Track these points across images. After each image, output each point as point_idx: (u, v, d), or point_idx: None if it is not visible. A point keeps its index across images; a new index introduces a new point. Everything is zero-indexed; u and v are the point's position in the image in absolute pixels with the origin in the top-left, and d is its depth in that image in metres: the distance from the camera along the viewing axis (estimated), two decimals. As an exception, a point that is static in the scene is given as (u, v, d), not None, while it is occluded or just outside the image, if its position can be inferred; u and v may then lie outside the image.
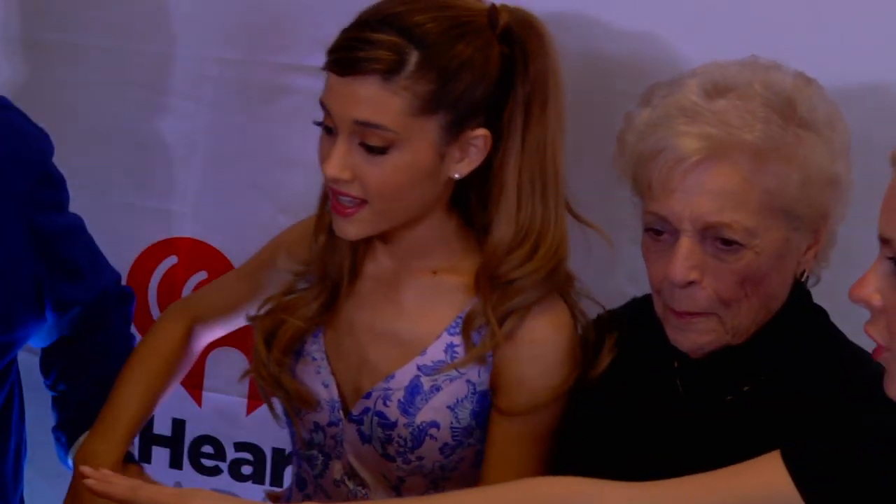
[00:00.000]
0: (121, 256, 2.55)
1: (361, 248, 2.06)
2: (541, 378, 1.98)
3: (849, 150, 1.89)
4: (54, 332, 2.33)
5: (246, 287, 2.22)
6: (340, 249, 2.06)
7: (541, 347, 1.97)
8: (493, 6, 1.94)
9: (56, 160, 2.25)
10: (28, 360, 2.36)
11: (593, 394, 2.03)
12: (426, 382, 1.99)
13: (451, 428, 2.00)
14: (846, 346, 1.93)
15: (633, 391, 2.00)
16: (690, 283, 1.84)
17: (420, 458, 2.01)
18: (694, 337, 1.88)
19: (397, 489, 2.06)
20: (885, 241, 1.49)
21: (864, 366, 1.87)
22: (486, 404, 2.00)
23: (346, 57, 1.88)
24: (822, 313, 1.96)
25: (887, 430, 1.65)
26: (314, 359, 2.09)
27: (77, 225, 2.30)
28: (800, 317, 1.94)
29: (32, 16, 2.57)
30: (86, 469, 1.72)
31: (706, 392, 1.93)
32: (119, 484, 1.70)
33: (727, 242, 1.81)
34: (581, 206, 2.16)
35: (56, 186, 2.22)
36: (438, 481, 2.05)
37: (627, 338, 2.03)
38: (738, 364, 1.91)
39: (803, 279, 1.91)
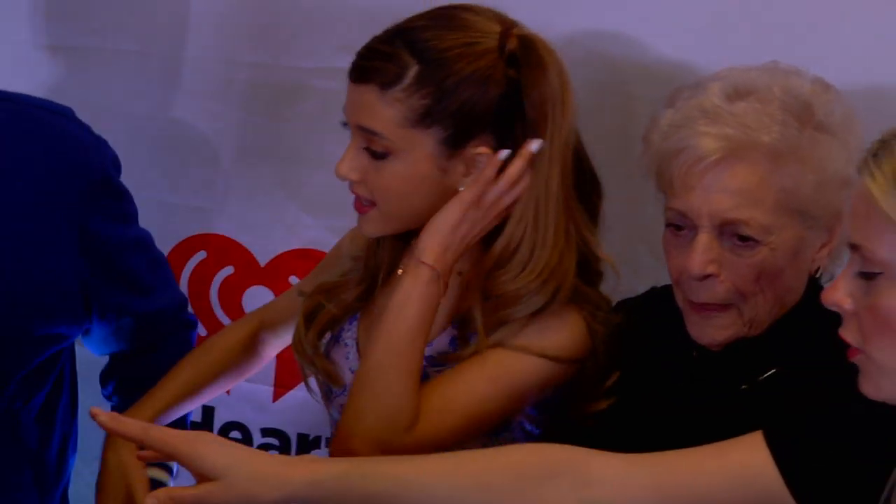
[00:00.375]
0: (152, 252, 2.63)
1: (397, 251, 2.09)
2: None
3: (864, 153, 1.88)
4: (111, 343, 2.33)
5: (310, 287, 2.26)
6: (385, 244, 2.09)
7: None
8: (505, 31, 1.96)
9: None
10: (86, 356, 2.38)
11: (616, 386, 2.03)
12: (431, 372, 2.01)
13: None
14: None
15: (651, 379, 2.01)
16: (708, 276, 1.86)
17: None
18: (712, 332, 1.90)
19: None
20: (853, 247, 1.51)
21: None
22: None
23: (357, 64, 1.93)
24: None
25: (872, 417, 1.65)
26: (346, 344, 2.11)
27: (140, 238, 2.29)
28: (815, 310, 1.90)
29: (68, 21, 2.61)
30: (96, 409, 1.71)
31: (722, 381, 1.94)
32: (131, 424, 1.71)
33: (743, 238, 1.83)
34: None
35: (114, 196, 2.22)
36: None
37: (645, 326, 2.05)
38: (753, 354, 1.92)
39: (818, 275, 1.92)
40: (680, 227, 1.88)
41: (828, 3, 2.22)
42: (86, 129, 2.21)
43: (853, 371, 1.80)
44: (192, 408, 2.27)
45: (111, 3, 2.59)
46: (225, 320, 2.67)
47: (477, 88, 1.92)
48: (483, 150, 1.94)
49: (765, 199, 1.82)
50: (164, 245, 2.56)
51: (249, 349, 2.30)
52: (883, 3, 2.19)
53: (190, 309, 2.40)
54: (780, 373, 1.92)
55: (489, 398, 1.97)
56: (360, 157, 1.95)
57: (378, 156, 1.93)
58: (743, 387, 1.92)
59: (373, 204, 1.97)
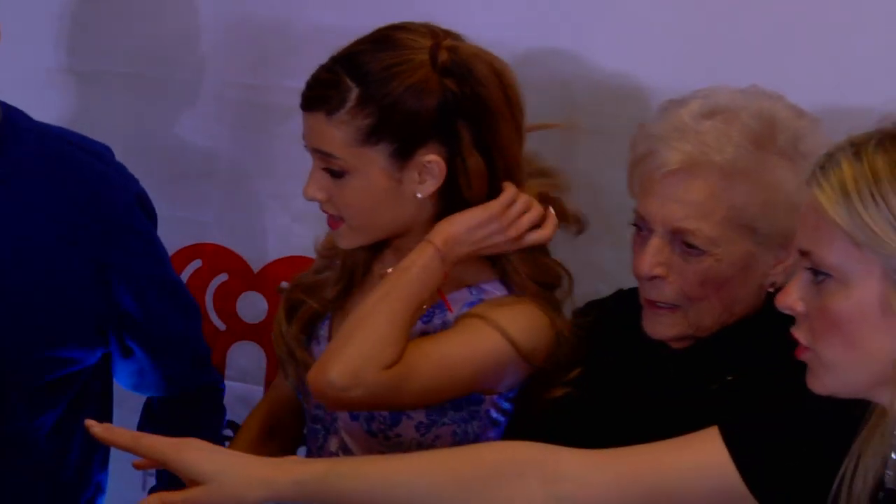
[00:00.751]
0: (151, 260, 2.63)
1: (371, 253, 2.13)
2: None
3: None
4: (138, 383, 2.33)
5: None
6: (358, 251, 2.13)
7: None
8: (435, 44, 1.99)
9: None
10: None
11: (578, 380, 2.07)
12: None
13: (425, 408, 2.06)
14: None
15: (619, 377, 2.05)
16: (655, 277, 1.92)
17: (398, 436, 2.08)
18: (660, 328, 1.97)
19: None
20: (803, 254, 1.56)
21: None
22: None
23: (305, 95, 2.00)
24: None
25: (824, 413, 1.68)
26: (319, 343, 2.15)
27: (164, 281, 2.27)
28: (777, 320, 1.92)
29: (72, 47, 2.66)
30: (90, 421, 1.72)
31: (692, 381, 1.98)
32: (122, 434, 1.71)
33: (690, 246, 1.90)
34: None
35: (136, 235, 2.21)
36: None
37: (612, 326, 2.09)
38: (722, 355, 1.97)
39: (772, 290, 1.94)
40: (641, 228, 1.95)
41: (791, 27, 2.26)
42: (114, 167, 2.23)
43: None
44: None
45: (112, 30, 2.63)
46: (220, 325, 2.71)
47: (415, 101, 1.96)
48: (433, 157, 1.98)
49: (713, 212, 1.88)
50: (161, 254, 2.64)
51: (269, 448, 2.25)
52: (845, 27, 2.24)
53: (209, 376, 2.35)
54: (748, 373, 1.95)
55: (458, 358, 2.00)
56: (322, 178, 2.01)
57: (337, 174, 1.99)
58: (713, 386, 1.96)
59: (342, 220, 2.03)
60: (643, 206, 1.94)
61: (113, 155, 2.26)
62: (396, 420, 2.08)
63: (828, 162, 1.55)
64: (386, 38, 2.00)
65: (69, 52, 2.68)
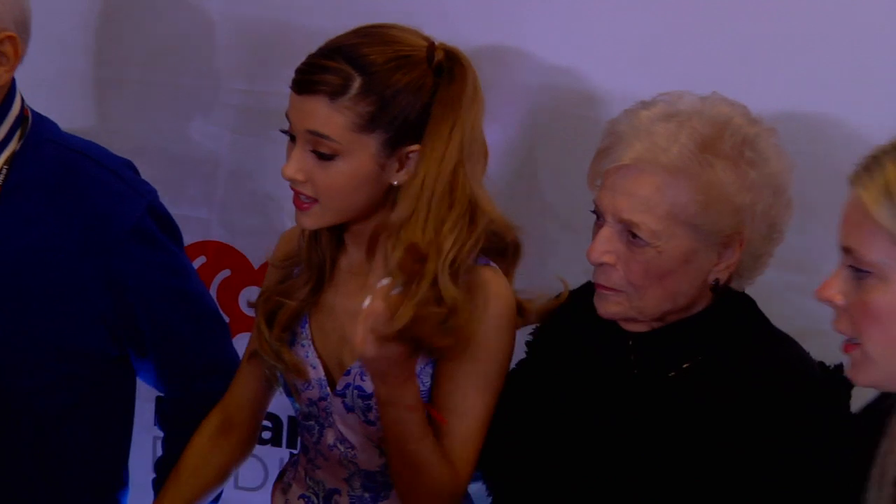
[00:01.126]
0: (158, 258, 2.67)
1: (334, 244, 2.16)
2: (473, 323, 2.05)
3: (775, 189, 1.96)
4: (154, 382, 2.37)
5: (254, 364, 2.26)
6: (323, 244, 2.16)
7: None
8: (432, 44, 2.06)
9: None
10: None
11: (544, 367, 2.15)
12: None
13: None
14: (771, 330, 2.06)
15: (586, 366, 2.10)
16: (605, 264, 1.98)
17: None
18: (606, 306, 2.02)
19: (380, 447, 2.16)
20: (845, 250, 1.61)
21: (786, 347, 2.03)
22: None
23: (303, 79, 2.02)
24: (751, 302, 2.07)
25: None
26: (303, 345, 2.18)
27: (177, 290, 2.27)
28: (733, 304, 2.04)
29: (82, 54, 2.72)
30: None
31: (653, 368, 2.04)
32: None
33: (635, 237, 1.96)
34: (550, 207, 2.32)
35: (148, 245, 2.23)
36: None
37: (582, 315, 2.11)
38: (680, 345, 2.02)
39: (713, 287, 1.99)
40: (598, 217, 2.01)
41: (753, 37, 2.34)
42: (127, 182, 2.25)
43: (770, 358, 1.97)
44: None
45: (121, 39, 2.68)
46: (224, 317, 2.65)
47: (412, 96, 2.02)
48: (416, 147, 2.03)
49: (657, 207, 1.94)
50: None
51: (217, 449, 2.29)
52: (803, 38, 2.32)
53: (216, 384, 2.33)
54: (704, 360, 2.01)
55: (497, 380, 2.09)
56: (305, 160, 2.03)
57: (325, 157, 2.01)
58: (671, 374, 2.02)
59: (315, 201, 2.04)
60: (598, 197, 2.00)
61: (134, 170, 2.29)
62: None
63: (873, 164, 1.61)
64: (382, 34, 2.05)
65: (77, 59, 2.72)
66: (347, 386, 2.15)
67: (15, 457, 2.28)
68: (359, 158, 2.03)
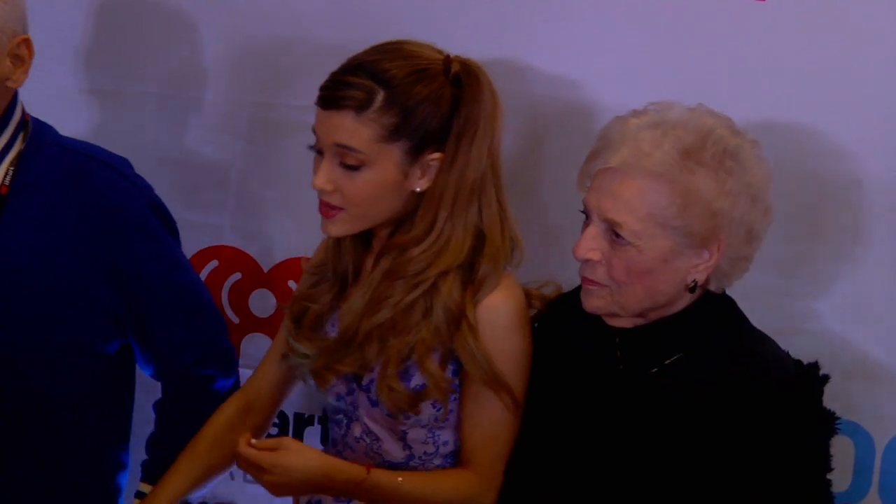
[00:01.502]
0: (173, 261, 2.66)
1: (358, 251, 2.22)
2: (491, 342, 2.12)
3: (753, 196, 2.00)
4: (149, 371, 2.40)
5: (278, 354, 2.32)
6: (346, 251, 2.22)
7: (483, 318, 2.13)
8: (448, 57, 2.11)
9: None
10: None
11: (537, 363, 2.19)
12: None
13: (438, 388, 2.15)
14: (749, 329, 2.12)
15: (576, 361, 2.15)
16: (589, 260, 2.04)
17: (417, 413, 2.18)
18: (590, 300, 2.08)
19: (403, 439, 2.22)
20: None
21: (763, 346, 2.09)
22: (461, 363, 2.15)
23: (329, 95, 2.07)
24: (731, 302, 2.12)
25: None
26: (328, 334, 2.23)
27: (176, 283, 2.31)
28: (715, 304, 2.10)
29: (105, 68, 2.74)
30: None
31: (637, 364, 2.09)
32: None
33: (618, 236, 2.02)
34: (545, 213, 2.36)
35: (149, 239, 2.26)
36: (434, 429, 2.22)
37: (573, 315, 2.17)
38: (664, 339, 2.08)
39: (690, 288, 2.06)
40: (586, 216, 2.07)
41: (746, 53, 2.38)
42: (128, 178, 2.29)
43: (746, 355, 2.03)
44: (199, 494, 2.35)
45: (139, 54, 2.71)
46: (234, 318, 2.76)
47: (432, 106, 2.10)
48: (437, 155, 2.09)
49: (638, 209, 2.01)
50: (181, 256, 2.67)
51: (238, 427, 2.32)
52: (785, 52, 2.37)
53: (211, 370, 2.38)
54: (685, 357, 2.07)
55: (522, 383, 2.17)
56: (333, 171, 2.08)
57: (352, 168, 2.07)
58: (653, 370, 2.08)
59: (341, 209, 2.10)
60: (586, 197, 2.07)
61: (131, 167, 2.33)
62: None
63: None
64: (399, 50, 2.11)
65: (100, 74, 2.75)
66: (371, 381, 2.20)
67: (28, 442, 2.33)
68: (384, 167, 2.09)
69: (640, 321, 2.09)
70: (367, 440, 2.25)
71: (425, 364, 2.11)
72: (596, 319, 2.11)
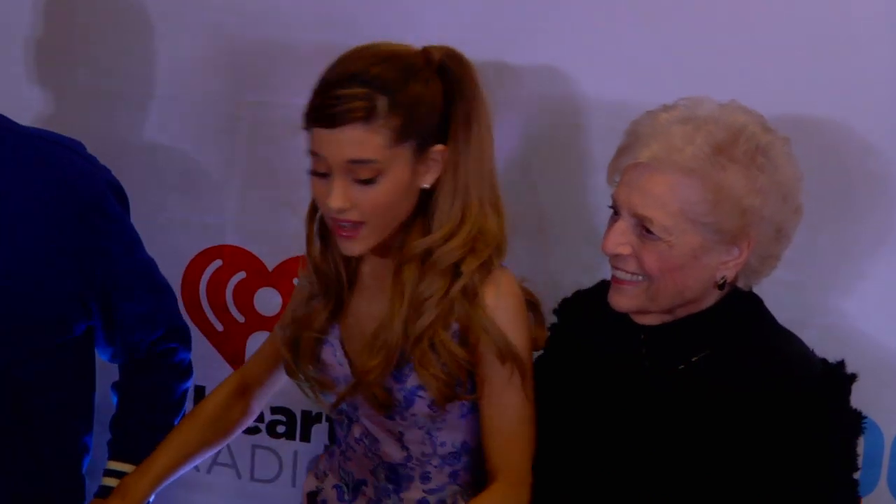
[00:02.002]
0: (176, 261, 2.72)
1: (354, 261, 2.20)
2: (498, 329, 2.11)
3: (784, 195, 2.00)
4: (111, 353, 2.43)
5: (275, 347, 2.36)
6: (333, 263, 2.21)
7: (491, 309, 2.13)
8: (425, 49, 2.10)
9: (124, 184, 2.39)
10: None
11: (559, 361, 2.20)
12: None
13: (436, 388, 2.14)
14: (776, 327, 2.12)
15: (600, 359, 2.15)
16: (619, 255, 2.03)
17: (413, 415, 2.19)
18: (622, 300, 2.06)
19: (400, 440, 2.24)
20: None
21: (790, 344, 2.08)
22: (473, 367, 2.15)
23: (331, 113, 2.02)
24: (758, 300, 2.12)
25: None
26: (332, 345, 2.25)
27: (136, 262, 2.33)
28: (741, 301, 2.09)
29: (105, 72, 2.74)
30: None
31: (663, 361, 2.09)
32: None
33: (648, 231, 2.01)
34: (548, 211, 2.37)
35: (107, 219, 2.28)
36: (431, 430, 2.23)
37: (596, 313, 2.17)
38: (690, 337, 2.07)
39: (719, 285, 2.04)
40: (615, 211, 2.07)
41: (743, 47, 2.37)
42: (86, 159, 2.30)
43: (775, 354, 2.03)
44: (190, 467, 2.38)
45: (143, 57, 2.71)
46: (239, 318, 2.78)
47: (429, 101, 2.08)
48: (439, 147, 2.09)
49: (669, 204, 1.99)
50: (185, 256, 2.77)
51: (234, 406, 2.37)
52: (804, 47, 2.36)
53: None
54: (712, 354, 2.07)
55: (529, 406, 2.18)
56: (348, 188, 2.05)
57: (368, 181, 2.05)
58: (680, 367, 2.07)
59: (360, 225, 2.07)
60: (616, 192, 2.06)
61: (85, 149, 2.34)
62: (411, 402, 2.19)
63: None
64: (378, 53, 2.08)
65: (101, 78, 2.75)
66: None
67: None
68: (397, 170, 2.07)
69: (667, 318, 2.09)
70: (367, 441, 2.27)
71: (441, 339, 2.10)
72: (620, 316, 2.11)
